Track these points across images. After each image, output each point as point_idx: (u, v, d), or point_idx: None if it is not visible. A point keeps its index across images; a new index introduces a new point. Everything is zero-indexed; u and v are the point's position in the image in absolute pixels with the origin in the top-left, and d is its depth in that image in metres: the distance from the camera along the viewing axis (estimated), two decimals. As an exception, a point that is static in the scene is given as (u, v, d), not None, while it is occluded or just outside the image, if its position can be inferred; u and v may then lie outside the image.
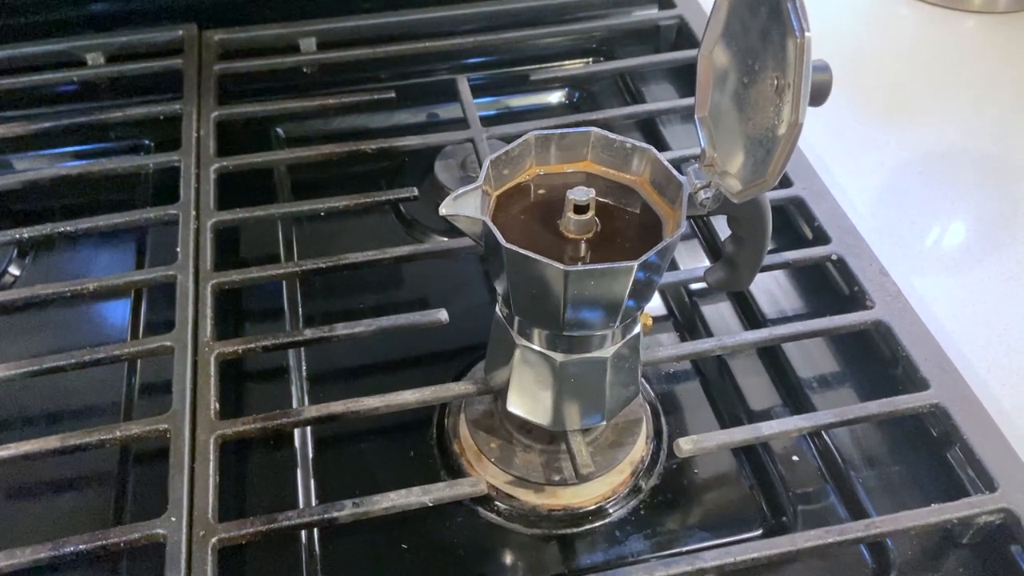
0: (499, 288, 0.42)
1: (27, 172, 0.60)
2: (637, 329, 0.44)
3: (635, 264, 0.36)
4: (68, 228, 0.55)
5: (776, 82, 0.34)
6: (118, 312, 0.57)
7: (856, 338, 0.53)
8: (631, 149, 0.42)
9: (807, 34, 0.31)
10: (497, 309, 0.44)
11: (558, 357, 0.42)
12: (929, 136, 0.69)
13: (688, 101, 0.66)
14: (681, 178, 0.40)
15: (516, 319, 0.43)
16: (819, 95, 0.33)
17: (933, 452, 0.49)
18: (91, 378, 0.51)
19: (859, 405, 0.47)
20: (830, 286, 0.56)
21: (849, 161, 0.66)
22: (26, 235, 0.55)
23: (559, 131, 0.42)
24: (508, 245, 0.37)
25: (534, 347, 0.42)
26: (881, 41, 0.79)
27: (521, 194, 0.42)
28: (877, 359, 0.52)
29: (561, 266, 0.36)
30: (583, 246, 0.40)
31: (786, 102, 0.33)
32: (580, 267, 0.37)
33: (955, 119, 0.71)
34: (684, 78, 0.72)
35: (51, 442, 0.44)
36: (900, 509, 0.45)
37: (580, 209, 0.39)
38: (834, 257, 0.55)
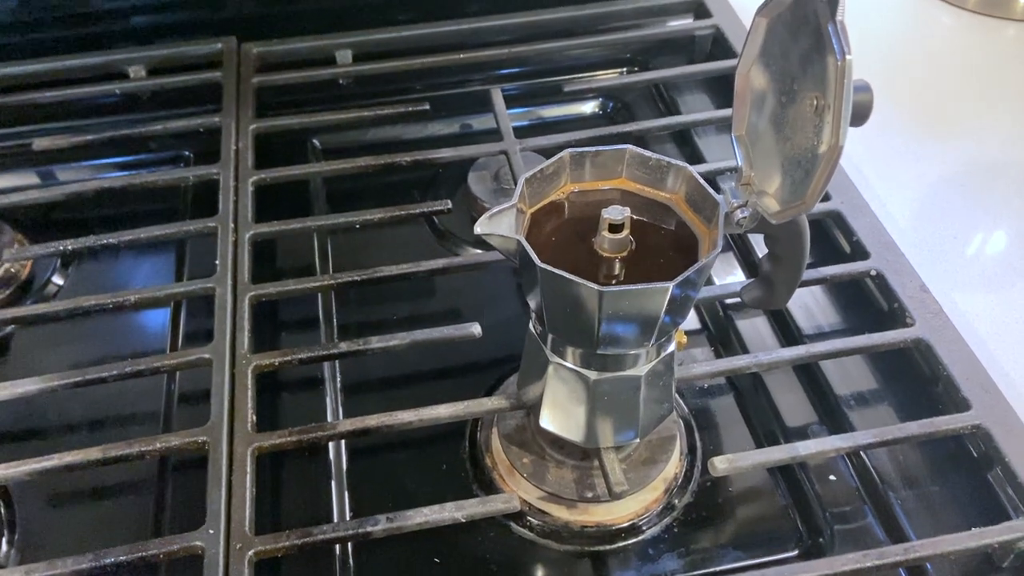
0: (532, 305, 0.42)
1: (71, 184, 0.62)
2: (672, 347, 0.43)
3: (670, 285, 0.36)
4: (111, 240, 0.56)
5: (816, 102, 0.34)
6: (158, 320, 0.58)
7: (895, 355, 0.52)
8: (667, 166, 0.42)
9: (848, 56, 0.30)
10: (530, 325, 0.45)
11: (592, 375, 0.42)
12: (970, 147, 0.68)
13: (724, 112, 0.66)
14: (718, 197, 0.39)
15: (549, 336, 0.43)
16: (860, 116, 0.33)
17: (973, 473, 0.48)
18: (132, 386, 0.52)
19: (899, 426, 0.47)
20: (869, 302, 0.55)
21: (888, 173, 0.65)
22: (70, 247, 0.56)
23: (593, 149, 0.42)
24: (543, 265, 0.37)
25: (567, 364, 0.42)
26: (921, 49, 0.77)
27: (556, 212, 0.42)
28: (917, 377, 0.51)
29: (596, 286, 0.36)
30: (618, 264, 0.40)
31: (826, 123, 0.33)
32: (615, 287, 0.37)
33: (997, 129, 0.69)
34: (720, 89, 0.72)
35: (92, 453, 0.45)
36: (939, 531, 0.45)
37: (615, 228, 0.39)
38: (873, 273, 0.54)
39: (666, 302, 0.37)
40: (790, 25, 0.34)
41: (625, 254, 0.40)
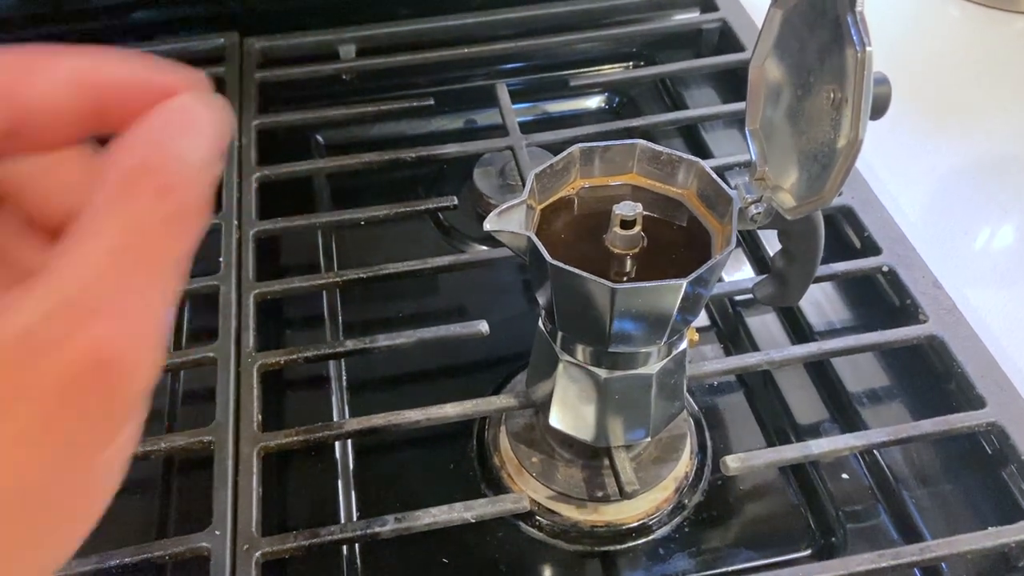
0: (542, 302, 0.42)
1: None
2: (683, 345, 0.43)
3: (683, 282, 0.36)
4: (113, 237, 0.56)
5: (832, 95, 0.33)
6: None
7: (908, 352, 0.51)
8: (678, 161, 0.41)
9: (868, 48, 0.30)
10: (540, 323, 0.44)
11: (602, 373, 0.41)
12: (981, 141, 0.67)
13: (731, 107, 0.65)
14: (731, 192, 0.39)
15: (559, 334, 0.42)
16: (879, 109, 0.32)
17: (988, 470, 0.47)
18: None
19: (913, 424, 0.46)
20: (880, 298, 0.55)
21: (899, 168, 0.64)
22: (72, 244, 0.56)
23: (603, 144, 0.41)
24: (553, 261, 0.36)
25: (578, 362, 0.42)
26: (930, 43, 0.76)
27: (566, 208, 0.41)
28: (930, 374, 0.51)
29: (608, 283, 0.36)
30: (629, 261, 0.39)
31: (844, 116, 0.32)
32: (627, 284, 0.36)
33: (1007, 123, 0.68)
34: (727, 83, 0.71)
35: (97, 453, 0.44)
36: (954, 529, 0.44)
37: (626, 224, 0.39)
38: (885, 269, 0.53)
39: (679, 299, 0.37)
40: (806, 16, 0.34)
41: (637, 251, 0.39)
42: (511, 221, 0.38)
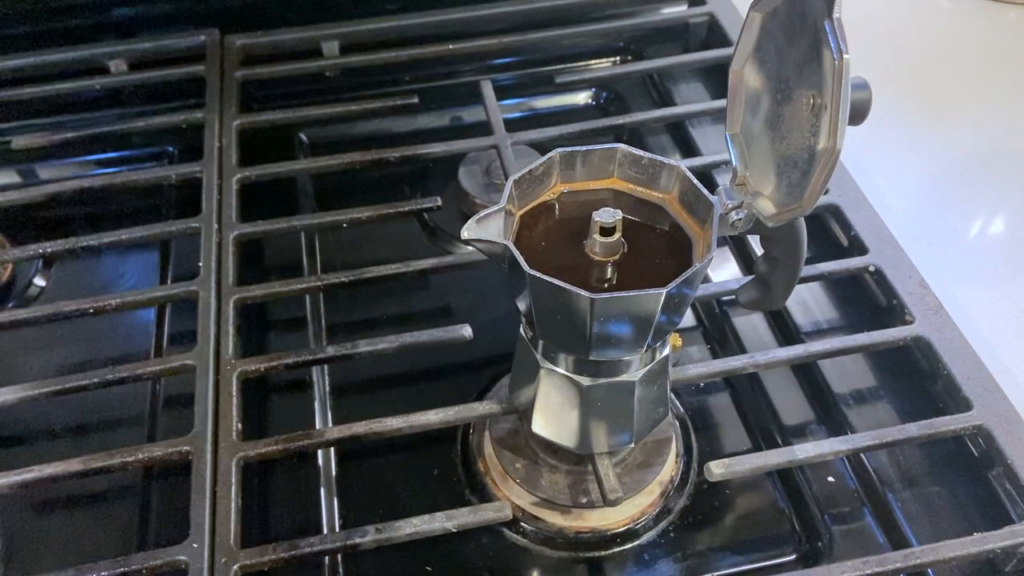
0: (522, 309, 0.41)
1: (50, 184, 0.60)
2: (666, 350, 0.42)
3: (663, 291, 0.35)
4: (92, 242, 0.55)
5: (812, 101, 0.32)
6: (143, 320, 0.57)
7: (895, 353, 0.51)
8: (659, 166, 0.40)
9: (846, 55, 0.29)
10: (521, 329, 0.43)
11: (584, 381, 0.41)
12: (971, 136, 0.66)
13: (719, 103, 0.64)
14: (712, 198, 0.38)
15: (540, 342, 0.41)
16: (858, 115, 0.32)
17: (975, 473, 0.47)
18: (116, 391, 0.51)
19: (898, 427, 0.46)
20: (867, 298, 0.54)
21: (887, 163, 0.64)
22: (49, 250, 0.55)
23: (584, 148, 0.40)
24: (531, 271, 0.36)
25: (559, 371, 0.41)
26: (919, 34, 0.76)
27: (546, 213, 0.41)
28: (916, 376, 0.50)
29: (587, 293, 0.35)
30: (610, 269, 0.39)
31: (823, 123, 0.31)
32: (606, 294, 0.35)
33: (998, 117, 0.68)
34: (715, 78, 0.70)
35: (74, 465, 0.44)
36: (939, 533, 0.44)
37: (606, 231, 0.38)
38: (872, 268, 0.53)
39: (659, 308, 0.36)
40: (785, 21, 0.33)
41: (617, 257, 0.39)
42: (490, 228, 0.37)
